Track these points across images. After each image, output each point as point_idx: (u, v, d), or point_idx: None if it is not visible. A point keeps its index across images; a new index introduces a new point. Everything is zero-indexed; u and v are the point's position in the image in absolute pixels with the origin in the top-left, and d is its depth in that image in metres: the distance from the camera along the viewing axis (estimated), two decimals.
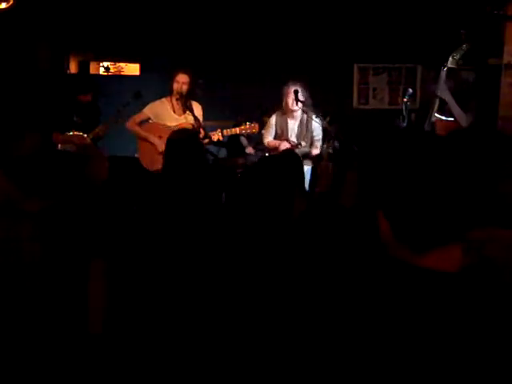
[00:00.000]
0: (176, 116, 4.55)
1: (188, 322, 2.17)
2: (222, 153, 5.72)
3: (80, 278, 2.21)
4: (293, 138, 4.67)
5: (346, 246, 1.94)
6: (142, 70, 7.22)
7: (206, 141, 4.32)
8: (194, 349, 2.07)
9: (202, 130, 4.33)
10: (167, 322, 2.26)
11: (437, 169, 0.95)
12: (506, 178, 1.01)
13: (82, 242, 2.25)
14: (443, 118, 4.15)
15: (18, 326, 2.05)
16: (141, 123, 4.60)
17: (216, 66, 6.55)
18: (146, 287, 2.38)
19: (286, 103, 4.61)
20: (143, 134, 4.54)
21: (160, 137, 4.45)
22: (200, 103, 4.66)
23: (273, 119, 4.79)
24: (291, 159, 2.52)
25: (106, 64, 7.43)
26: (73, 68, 7.21)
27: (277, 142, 4.70)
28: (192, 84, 4.52)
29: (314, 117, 4.53)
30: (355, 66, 7.01)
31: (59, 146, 4.91)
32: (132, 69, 7.45)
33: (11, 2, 4.85)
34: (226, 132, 4.49)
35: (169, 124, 4.50)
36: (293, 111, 4.62)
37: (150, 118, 4.59)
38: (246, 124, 4.54)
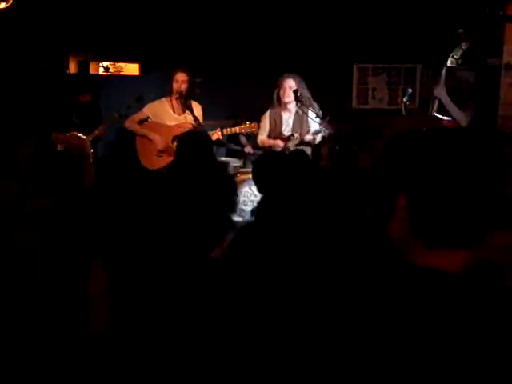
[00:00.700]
0: (175, 115, 4.55)
1: (188, 321, 2.17)
2: (222, 152, 5.73)
3: (80, 278, 2.21)
4: (286, 132, 4.62)
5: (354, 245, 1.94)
6: (141, 69, 7.22)
7: None
8: (194, 348, 2.07)
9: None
10: (166, 322, 2.26)
11: (470, 167, 0.95)
12: (509, 180, 1.02)
13: (82, 241, 2.25)
14: (443, 118, 4.15)
15: (20, 325, 2.05)
16: (140, 122, 4.59)
17: (216, 65, 6.55)
18: (146, 286, 2.38)
19: (279, 95, 4.56)
20: (142, 130, 4.53)
21: (159, 134, 4.45)
22: (199, 103, 4.66)
23: (266, 114, 4.74)
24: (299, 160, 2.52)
25: (105, 64, 7.42)
26: (72, 68, 7.20)
27: (270, 142, 4.65)
28: (191, 83, 4.52)
29: (312, 115, 4.48)
30: (354, 66, 7.02)
31: (58, 146, 4.91)
32: (132, 69, 7.45)
33: (10, 2, 4.85)
34: (225, 131, 4.49)
35: (168, 124, 4.50)
36: (286, 104, 4.58)
37: (149, 118, 4.59)
38: (245, 123, 4.53)
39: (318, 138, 4.48)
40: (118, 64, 7.46)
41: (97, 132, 5.00)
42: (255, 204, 4.02)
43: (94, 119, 5.11)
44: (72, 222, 2.29)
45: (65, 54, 7.01)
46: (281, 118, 4.64)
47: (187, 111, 4.43)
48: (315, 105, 4.55)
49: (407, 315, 0.93)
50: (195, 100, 4.60)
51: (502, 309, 0.95)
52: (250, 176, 5.21)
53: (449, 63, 3.99)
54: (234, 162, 5.69)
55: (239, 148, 6.14)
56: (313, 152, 4.46)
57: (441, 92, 4.01)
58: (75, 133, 4.98)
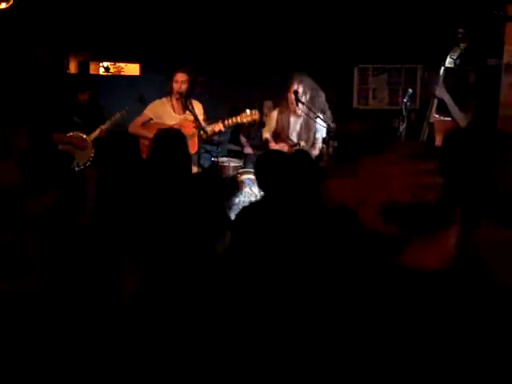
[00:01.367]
0: (176, 115, 4.55)
1: (190, 318, 2.17)
2: (222, 152, 5.73)
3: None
4: (293, 137, 4.57)
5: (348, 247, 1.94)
6: (141, 69, 7.23)
7: (204, 136, 4.32)
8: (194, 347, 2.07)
9: (203, 128, 4.32)
10: (170, 320, 2.26)
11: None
12: (506, 176, 1.01)
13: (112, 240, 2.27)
14: (442, 118, 4.14)
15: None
16: (143, 125, 4.58)
17: (216, 65, 6.55)
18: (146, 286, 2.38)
19: (288, 99, 4.50)
20: (145, 133, 4.52)
21: None
22: (200, 101, 4.65)
23: (274, 113, 4.69)
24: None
25: (105, 64, 7.43)
26: (73, 68, 7.21)
27: (275, 146, 4.56)
28: (192, 83, 4.51)
29: (321, 122, 4.38)
30: (355, 67, 7.02)
31: (59, 146, 4.91)
32: (132, 69, 7.46)
33: (11, 2, 4.85)
34: (227, 122, 4.44)
35: (169, 123, 4.49)
36: (295, 109, 4.51)
37: (151, 119, 4.58)
38: (246, 112, 4.46)
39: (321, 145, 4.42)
40: (118, 64, 7.47)
41: (98, 132, 5.01)
42: None
43: (96, 119, 5.11)
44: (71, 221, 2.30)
45: (65, 55, 7.01)
46: (288, 121, 4.56)
47: (188, 111, 4.42)
48: (328, 114, 4.46)
49: (393, 314, 0.93)
50: (196, 99, 4.59)
51: (491, 305, 0.94)
52: (250, 176, 5.25)
53: (447, 63, 3.98)
54: (234, 162, 5.69)
55: (239, 148, 6.14)
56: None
57: (443, 92, 4.00)
58: (77, 133, 4.99)
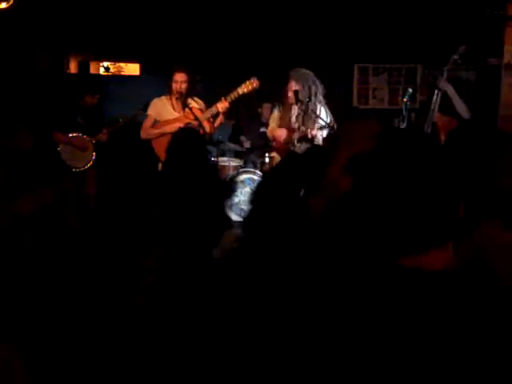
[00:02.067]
0: (176, 113, 4.55)
1: (189, 319, 2.17)
2: (222, 152, 5.73)
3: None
4: (294, 123, 4.53)
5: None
6: (141, 69, 7.23)
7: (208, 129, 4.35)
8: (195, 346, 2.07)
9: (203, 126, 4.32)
10: (165, 322, 2.26)
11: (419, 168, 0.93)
12: (505, 174, 1.01)
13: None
14: (444, 117, 4.14)
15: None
16: (151, 127, 4.57)
17: (216, 65, 6.55)
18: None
19: (288, 98, 4.50)
20: (157, 131, 4.49)
21: (174, 123, 4.40)
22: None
23: (275, 114, 4.68)
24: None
25: (106, 64, 7.44)
26: (73, 68, 7.21)
27: (277, 131, 4.55)
28: (191, 82, 4.50)
29: (321, 114, 4.37)
30: (355, 66, 7.02)
31: (60, 146, 4.91)
32: (132, 69, 7.47)
33: (11, 2, 4.85)
34: (229, 98, 4.40)
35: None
36: (291, 103, 4.50)
37: (156, 120, 4.58)
38: (245, 82, 4.43)
39: (323, 134, 4.41)
40: (118, 64, 7.48)
41: (100, 135, 5.01)
42: None
43: (98, 121, 5.10)
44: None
45: (65, 54, 7.02)
46: (290, 111, 4.58)
47: (187, 110, 4.42)
48: (324, 110, 4.45)
49: (395, 317, 0.93)
50: (197, 97, 4.59)
51: (497, 308, 0.94)
52: (250, 176, 5.25)
53: (448, 64, 3.98)
54: (234, 162, 5.69)
55: (239, 148, 6.13)
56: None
57: (446, 85, 3.99)
58: (79, 134, 4.98)
